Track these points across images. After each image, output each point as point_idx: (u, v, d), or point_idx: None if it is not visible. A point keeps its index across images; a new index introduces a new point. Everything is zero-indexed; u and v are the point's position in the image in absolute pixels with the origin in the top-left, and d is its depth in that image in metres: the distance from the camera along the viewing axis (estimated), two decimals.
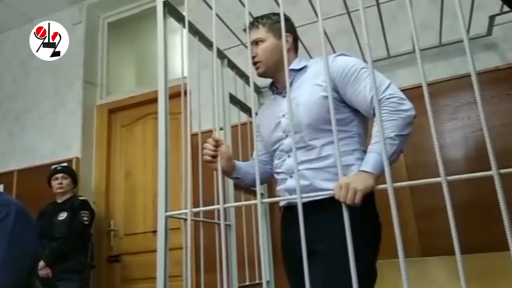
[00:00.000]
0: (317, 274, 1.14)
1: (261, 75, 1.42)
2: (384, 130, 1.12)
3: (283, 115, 1.36)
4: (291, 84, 1.35)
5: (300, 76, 1.37)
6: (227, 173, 1.41)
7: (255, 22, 1.42)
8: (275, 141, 1.38)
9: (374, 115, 1.19)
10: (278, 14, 1.33)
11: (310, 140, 1.27)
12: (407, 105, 1.18)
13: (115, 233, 3.15)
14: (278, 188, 1.38)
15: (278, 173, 1.39)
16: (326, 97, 1.24)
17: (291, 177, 1.31)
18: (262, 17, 1.43)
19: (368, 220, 1.24)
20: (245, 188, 2.16)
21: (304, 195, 1.00)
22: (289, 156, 1.32)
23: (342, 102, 1.28)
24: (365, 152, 1.27)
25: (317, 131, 1.26)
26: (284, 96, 1.39)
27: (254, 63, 1.40)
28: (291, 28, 1.43)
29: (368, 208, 1.20)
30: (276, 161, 1.40)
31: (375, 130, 1.17)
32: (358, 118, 1.31)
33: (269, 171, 1.51)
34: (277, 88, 1.45)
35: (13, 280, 1.05)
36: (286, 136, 1.34)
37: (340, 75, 1.26)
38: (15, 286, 1.06)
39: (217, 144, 1.29)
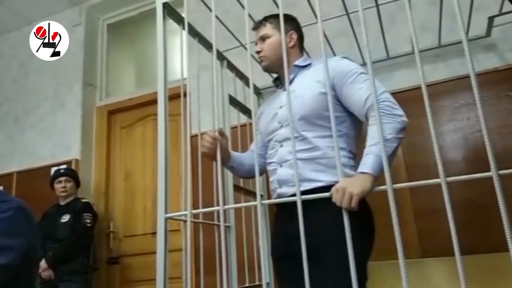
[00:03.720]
0: (317, 271, 1.13)
1: (265, 69, 1.51)
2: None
3: (281, 107, 1.42)
4: (294, 79, 1.44)
5: (303, 72, 1.44)
6: (222, 160, 1.41)
7: (263, 20, 1.51)
8: (271, 131, 1.44)
9: (366, 117, 1.24)
10: (285, 14, 1.40)
11: (303, 131, 1.32)
12: (400, 111, 1.21)
13: (114, 235, 3.14)
14: (271, 179, 1.42)
15: (269, 163, 1.43)
16: (324, 93, 1.30)
17: (281, 166, 1.35)
18: (270, 16, 1.52)
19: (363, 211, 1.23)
20: (245, 189, 2.16)
21: (303, 196, 1.00)
22: (281, 146, 1.38)
23: (337, 100, 1.33)
24: (351, 152, 1.32)
25: (310, 124, 1.32)
26: (285, 90, 1.43)
27: (260, 58, 1.49)
28: (296, 26, 1.53)
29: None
30: (269, 152, 1.45)
31: (372, 131, 1.17)
32: (351, 120, 1.35)
33: (264, 165, 1.54)
34: (281, 83, 1.52)
35: None
36: (281, 126, 1.39)
37: (340, 75, 1.31)
38: None
39: (215, 142, 1.29)
